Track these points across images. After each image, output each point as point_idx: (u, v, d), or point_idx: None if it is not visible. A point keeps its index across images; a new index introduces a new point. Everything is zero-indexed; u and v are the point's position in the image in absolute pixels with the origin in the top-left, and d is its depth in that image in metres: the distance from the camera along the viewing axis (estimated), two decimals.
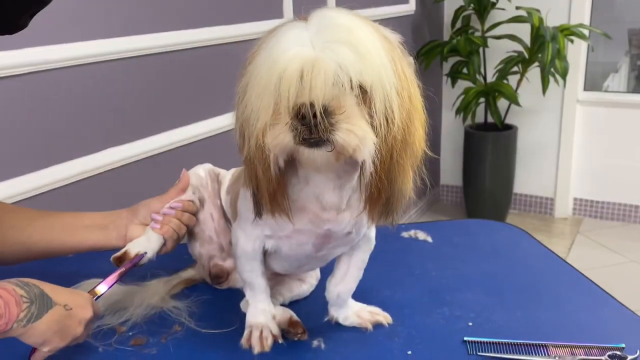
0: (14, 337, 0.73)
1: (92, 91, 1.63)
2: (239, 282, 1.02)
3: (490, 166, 3.46)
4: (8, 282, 0.72)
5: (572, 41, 3.29)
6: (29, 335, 0.73)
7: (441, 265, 1.14)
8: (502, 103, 3.40)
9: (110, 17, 1.65)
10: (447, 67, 3.56)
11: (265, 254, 0.90)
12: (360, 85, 0.68)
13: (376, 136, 0.70)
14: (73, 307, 0.77)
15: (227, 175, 1.05)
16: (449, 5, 3.67)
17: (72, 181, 1.58)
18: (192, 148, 1.96)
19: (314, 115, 0.67)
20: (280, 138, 0.69)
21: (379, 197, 0.75)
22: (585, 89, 3.60)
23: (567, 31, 3.17)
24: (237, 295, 1.02)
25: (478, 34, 3.38)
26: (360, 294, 0.97)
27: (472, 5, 3.31)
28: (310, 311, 0.98)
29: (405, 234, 1.27)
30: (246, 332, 0.90)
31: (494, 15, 3.39)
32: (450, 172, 3.94)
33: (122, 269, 0.92)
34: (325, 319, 0.96)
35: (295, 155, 0.71)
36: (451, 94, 3.57)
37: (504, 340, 0.88)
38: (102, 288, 0.88)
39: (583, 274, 1.09)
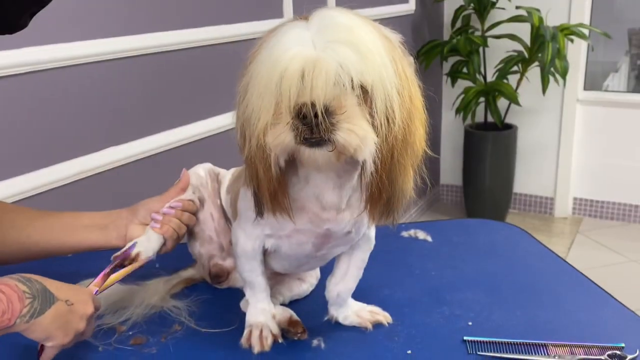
0: (19, 335, 0.73)
1: (92, 91, 1.63)
2: (239, 281, 1.02)
3: (490, 166, 3.46)
4: (10, 278, 0.73)
5: (572, 41, 3.29)
6: (32, 331, 0.73)
7: (441, 264, 1.14)
8: (502, 102, 3.40)
9: (109, 17, 1.65)
10: (447, 66, 3.56)
11: (265, 253, 0.90)
12: (361, 85, 0.69)
13: (377, 136, 0.70)
14: (74, 302, 0.77)
15: (227, 175, 1.05)
16: (449, 4, 3.67)
17: (71, 181, 1.58)
18: (191, 148, 1.96)
19: (315, 115, 0.67)
20: (281, 138, 0.69)
21: (380, 196, 0.75)
22: (585, 89, 3.60)
23: (567, 31, 3.17)
24: (237, 294, 1.02)
25: (478, 33, 3.38)
26: (360, 294, 0.97)
27: (472, 4, 3.31)
28: (310, 310, 0.98)
29: (405, 234, 1.27)
30: (246, 332, 0.90)
31: (494, 15, 3.39)
32: (450, 171, 3.94)
33: (116, 262, 0.92)
34: (325, 319, 0.96)
35: (296, 155, 0.72)
36: (451, 93, 3.57)
37: (503, 340, 0.88)
38: (97, 283, 0.88)
39: (583, 274, 1.10)
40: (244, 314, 0.93)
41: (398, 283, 1.07)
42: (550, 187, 3.75)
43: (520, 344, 0.87)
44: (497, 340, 0.88)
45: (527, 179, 3.77)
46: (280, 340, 0.90)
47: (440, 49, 3.33)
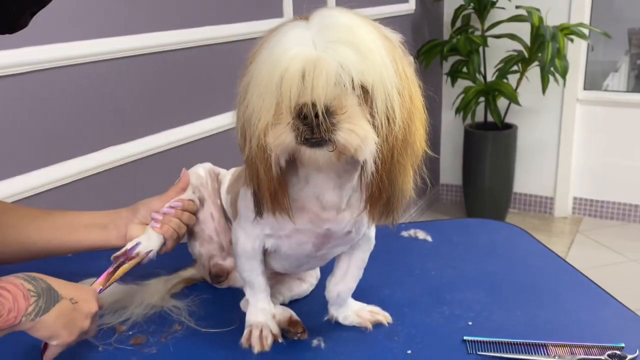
0: (23, 335, 0.73)
1: (91, 91, 1.63)
2: (239, 281, 1.02)
3: (490, 165, 3.46)
4: (15, 276, 0.73)
5: (572, 40, 3.29)
6: (37, 329, 0.73)
7: (441, 264, 1.14)
8: (502, 102, 3.40)
9: (108, 17, 1.64)
10: (447, 66, 3.56)
11: (265, 253, 0.90)
12: (361, 85, 0.69)
13: (377, 136, 0.70)
14: (78, 300, 0.77)
15: (227, 175, 1.05)
16: (448, 4, 3.67)
17: (70, 181, 1.58)
18: (191, 147, 1.96)
19: (316, 115, 0.67)
20: (282, 138, 0.69)
21: (380, 196, 0.75)
22: (585, 88, 3.60)
23: (567, 30, 3.17)
24: (237, 294, 1.02)
25: (478, 33, 3.38)
26: (360, 293, 0.97)
27: (472, 4, 3.31)
28: (310, 310, 0.98)
29: (405, 233, 1.27)
30: (246, 331, 0.90)
31: (494, 15, 3.39)
32: (450, 171, 3.94)
33: (119, 261, 0.92)
34: (325, 318, 0.96)
35: (297, 155, 0.72)
36: (451, 93, 3.57)
37: (503, 340, 0.88)
38: (101, 281, 0.88)
39: (582, 273, 1.10)
40: (244, 314, 0.93)
41: (398, 283, 1.07)
42: (550, 187, 3.75)
43: (520, 344, 0.87)
44: (497, 340, 0.88)
45: (527, 179, 3.77)
46: (280, 340, 0.90)
47: (440, 48, 3.33)
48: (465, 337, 0.89)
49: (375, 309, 0.96)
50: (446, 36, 3.64)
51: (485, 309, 0.98)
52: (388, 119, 0.70)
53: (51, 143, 1.53)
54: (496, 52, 3.40)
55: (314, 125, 0.67)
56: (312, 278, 1.05)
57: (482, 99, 3.36)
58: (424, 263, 1.15)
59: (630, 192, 3.59)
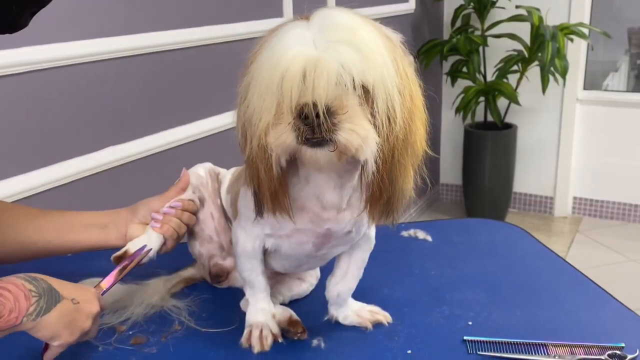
0: (23, 335, 0.73)
1: (90, 90, 1.63)
2: (239, 281, 1.02)
3: (489, 165, 3.46)
4: (16, 277, 0.73)
5: (571, 40, 3.29)
6: (38, 329, 0.73)
7: (441, 264, 1.14)
8: (501, 102, 3.40)
9: (107, 17, 1.64)
10: (447, 66, 3.56)
11: (265, 252, 0.90)
12: (362, 85, 0.69)
13: (378, 136, 0.70)
14: (80, 301, 0.77)
15: (227, 175, 1.05)
16: (448, 4, 3.67)
17: (69, 180, 1.58)
18: (191, 147, 1.96)
19: (317, 115, 0.67)
20: (282, 138, 0.69)
21: (380, 196, 0.75)
22: (585, 88, 3.60)
23: (567, 30, 3.17)
24: (237, 294, 1.02)
25: (478, 32, 3.38)
26: (360, 293, 0.97)
27: (472, 4, 3.31)
28: (310, 310, 0.98)
29: (404, 233, 1.27)
30: (246, 331, 0.90)
31: (494, 14, 3.39)
32: (450, 171, 3.95)
33: (124, 263, 0.92)
34: (325, 318, 0.96)
35: (298, 155, 0.72)
36: (451, 92, 3.57)
37: (503, 340, 0.88)
38: (106, 283, 0.88)
39: (582, 273, 1.10)
40: (244, 314, 0.93)
41: (398, 283, 1.07)
42: (550, 187, 3.75)
43: (520, 343, 0.87)
44: (497, 340, 0.88)
45: (526, 179, 3.77)
46: (280, 340, 0.90)
47: (440, 48, 3.33)
48: (465, 337, 0.89)
49: (375, 308, 0.96)
50: (446, 36, 3.64)
51: (485, 308, 0.98)
52: (389, 119, 0.70)
53: (50, 143, 1.53)
54: (496, 51, 3.40)
55: (314, 125, 0.67)
56: (312, 278, 1.05)
57: (482, 98, 3.36)
58: (424, 263, 1.15)
59: (630, 192, 3.59)
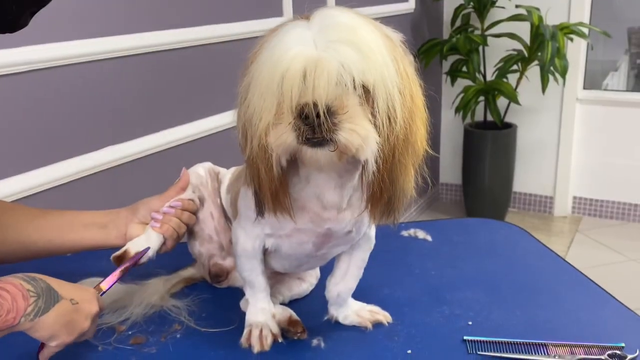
0: (21, 335, 0.73)
1: (89, 90, 1.63)
2: (239, 280, 1.02)
3: (489, 165, 3.46)
4: (14, 276, 0.73)
5: (571, 39, 3.29)
6: (36, 330, 0.73)
7: (441, 264, 1.14)
8: (501, 101, 3.40)
9: (106, 16, 1.64)
10: (446, 65, 3.56)
11: (265, 252, 0.90)
12: (363, 85, 0.68)
13: (379, 135, 0.70)
14: (79, 301, 0.77)
15: (227, 174, 1.05)
16: (448, 3, 3.67)
17: (68, 180, 1.58)
18: (190, 147, 1.96)
19: (317, 115, 0.66)
20: (283, 138, 0.69)
21: (381, 196, 0.75)
22: (584, 88, 3.60)
23: (567, 29, 3.17)
24: (237, 294, 1.02)
25: (478, 32, 3.38)
26: (360, 293, 0.97)
27: (471, 3, 3.31)
28: (310, 310, 0.98)
29: (404, 233, 1.27)
30: (246, 331, 0.90)
31: (494, 14, 3.39)
32: (450, 170, 3.94)
33: (126, 264, 0.92)
34: (325, 318, 0.96)
35: (298, 155, 0.71)
36: (451, 92, 3.57)
37: (503, 340, 0.88)
38: (106, 284, 0.88)
39: (582, 273, 1.09)
40: (244, 314, 0.93)
41: (398, 282, 1.07)
42: (550, 186, 3.75)
43: (520, 343, 0.87)
44: (497, 339, 0.88)
45: (526, 178, 3.77)
46: (280, 340, 0.90)
47: (440, 47, 3.33)
48: (465, 337, 0.89)
49: (375, 308, 0.96)
50: (446, 35, 3.64)
51: (485, 308, 0.98)
52: (389, 119, 0.70)
53: (49, 143, 1.53)
54: (496, 51, 3.40)
55: (315, 125, 0.67)
56: (312, 278, 1.05)
57: (481, 98, 3.36)
58: (423, 263, 1.15)
59: (630, 192, 3.59)
